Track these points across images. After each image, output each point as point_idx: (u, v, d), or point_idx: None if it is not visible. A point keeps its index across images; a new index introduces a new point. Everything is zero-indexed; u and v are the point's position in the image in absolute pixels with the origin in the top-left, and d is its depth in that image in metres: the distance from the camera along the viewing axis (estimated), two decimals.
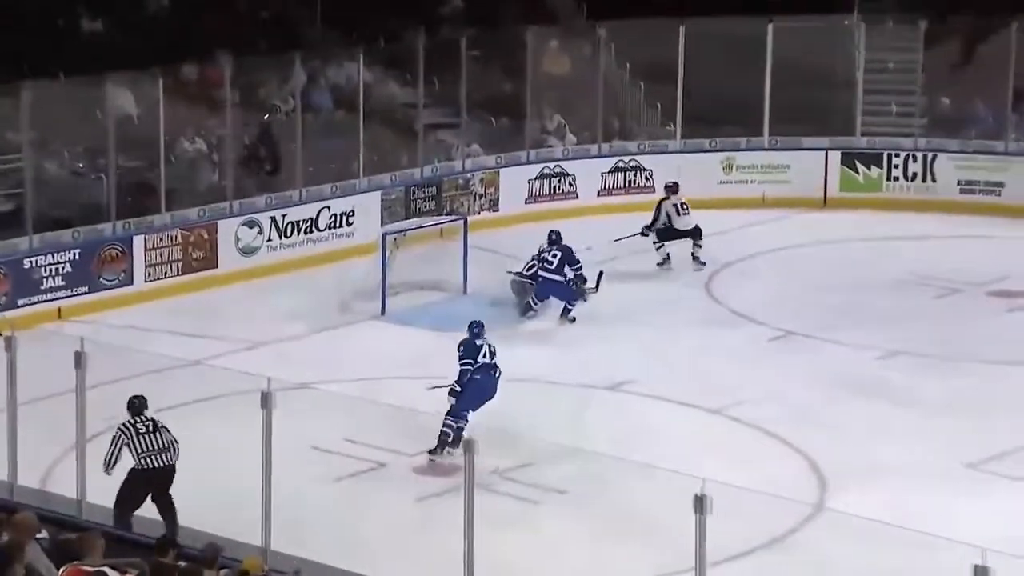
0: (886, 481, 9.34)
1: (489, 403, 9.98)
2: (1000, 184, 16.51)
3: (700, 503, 6.42)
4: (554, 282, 12.78)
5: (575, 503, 9.08)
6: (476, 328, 10.18)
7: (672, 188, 14.51)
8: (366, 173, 15.32)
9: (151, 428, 8.26)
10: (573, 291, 12.76)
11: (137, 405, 8.32)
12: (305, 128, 15.01)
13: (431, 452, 9.73)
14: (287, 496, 7.74)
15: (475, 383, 9.93)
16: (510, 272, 13.15)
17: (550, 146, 16.96)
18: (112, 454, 8.18)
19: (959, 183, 16.70)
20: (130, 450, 8.18)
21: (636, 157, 17.06)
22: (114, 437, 8.19)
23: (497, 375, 9.99)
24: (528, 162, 16.60)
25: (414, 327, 12.72)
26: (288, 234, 14.51)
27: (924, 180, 16.82)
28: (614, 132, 17.39)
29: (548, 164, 16.68)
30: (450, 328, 12.50)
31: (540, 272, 12.88)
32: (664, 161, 16.89)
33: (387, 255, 13.20)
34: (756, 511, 8.07)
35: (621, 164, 17.02)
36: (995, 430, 10.15)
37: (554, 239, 13.11)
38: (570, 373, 11.52)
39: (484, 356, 10.03)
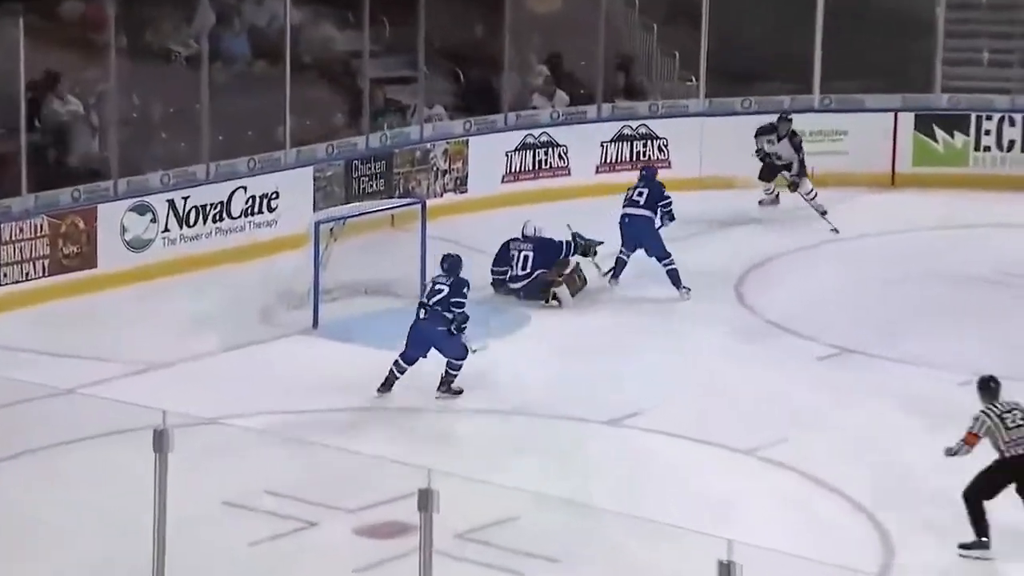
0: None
1: (456, 443, 10.01)
2: None
3: (727, 572, 6.47)
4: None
5: (568, 572, 9.13)
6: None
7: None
8: (294, 143, 15.37)
9: None
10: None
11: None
12: (213, 83, 15.03)
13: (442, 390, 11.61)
14: (188, 565, 7.74)
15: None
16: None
17: (534, 108, 17.03)
18: None
19: None
20: None
21: (647, 122, 17.16)
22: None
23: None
24: (506, 128, 16.70)
25: (356, 344, 12.76)
26: (191, 223, 14.55)
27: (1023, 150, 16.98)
28: (618, 89, 17.49)
29: (532, 132, 16.77)
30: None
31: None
32: (683, 127, 17.00)
33: (321, 250, 13.23)
34: None
35: (627, 131, 17.12)
36: None
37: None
38: (560, 403, 11.58)
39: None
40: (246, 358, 12.49)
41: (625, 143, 17.07)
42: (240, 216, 14.84)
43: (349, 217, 13.78)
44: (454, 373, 11.62)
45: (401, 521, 9.24)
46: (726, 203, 16.20)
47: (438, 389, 11.66)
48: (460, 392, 11.64)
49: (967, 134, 17.05)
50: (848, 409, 11.45)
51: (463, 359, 11.61)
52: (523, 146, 16.71)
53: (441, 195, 16.06)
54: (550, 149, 16.84)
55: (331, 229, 13.48)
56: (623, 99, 17.38)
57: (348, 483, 9.84)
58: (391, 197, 15.46)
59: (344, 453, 9.65)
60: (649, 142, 17.11)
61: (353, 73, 16.24)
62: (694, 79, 17.33)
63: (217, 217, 14.71)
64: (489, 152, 16.47)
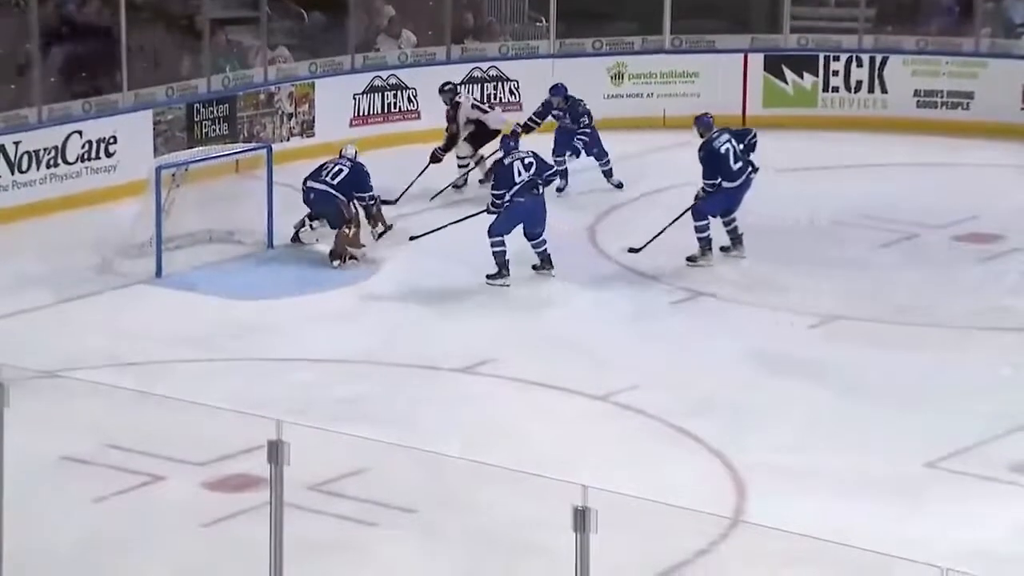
0: (821, 484, 9.60)
1: (303, 391, 10.00)
2: (968, 95, 17.05)
3: (581, 517, 6.55)
4: None
5: (420, 523, 9.17)
6: (510, 142, 12.92)
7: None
8: (132, 86, 15.10)
9: None
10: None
11: None
12: (44, 23, 14.69)
13: (489, 277, 12.55)
14: (29, 524, 7.63)
15: (515, 206, 12.58)
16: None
17: (377, 50, 16.92)
18: None
19: (916, 94, 17.18)
20: None
21: (497, 64, 17.15)
22: None
23: (540, 192, 12.72)
24: (353, 70, 16.57)
25: (200, 293, 12.66)
26: (23, 169, 14.25)
27: (871, 91, 17.26)
28: (467, 30, 17.45)
29: (380, 74, 16.66)
30: (250, 294, 12.44)
31: None
32: (534, 68, 17.02)
33: (163, 197, 13.06)
34: (655, 526, 8.26)
35: (478, 73, 17.10)
36: (963, 416, 10.48)
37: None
38: (409, 351, 11.60)
39: (519, 175, 12.56)
40: (85, 309, 12.33)
41: (476, 85, 17.03)
42: (76, 162, 14.56)
43: (191, 163, 13.61)
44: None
45: (251, 474, 9.23)
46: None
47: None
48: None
49: (816, 75, 17.28)
50: (701, 355, 11.63)
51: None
52: (371, 88, 16.59)
53: (287, 139, 15.91)
54: (399, 92, 16.74)
55: (173, 175, 13.32)
56: (472, 40, 17.34)
57: (195, 436, 9.78)
58: (235, 142, 15.27)
59: (189, 405, 9.57)
60: (500, 84, 17.11)
61: (192, 14, 15.96)
62: (544, 20, 17.34)
63: (51, 163, 14.42)
64: (336, 95, 16.31)
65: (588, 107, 15.13)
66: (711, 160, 13.20)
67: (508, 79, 17.13)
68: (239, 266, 13.14)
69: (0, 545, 7.41)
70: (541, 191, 12.87)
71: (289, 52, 16.40)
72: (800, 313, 12.27)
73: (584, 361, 11.41)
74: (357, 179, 13.30)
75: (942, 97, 17.11)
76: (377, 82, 16.65)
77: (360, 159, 13.51)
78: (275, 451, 7.03)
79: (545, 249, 12.88)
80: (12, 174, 14.16)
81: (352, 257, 13.17)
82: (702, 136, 13.29)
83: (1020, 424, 10.35)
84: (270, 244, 13.57)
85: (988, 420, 10.38)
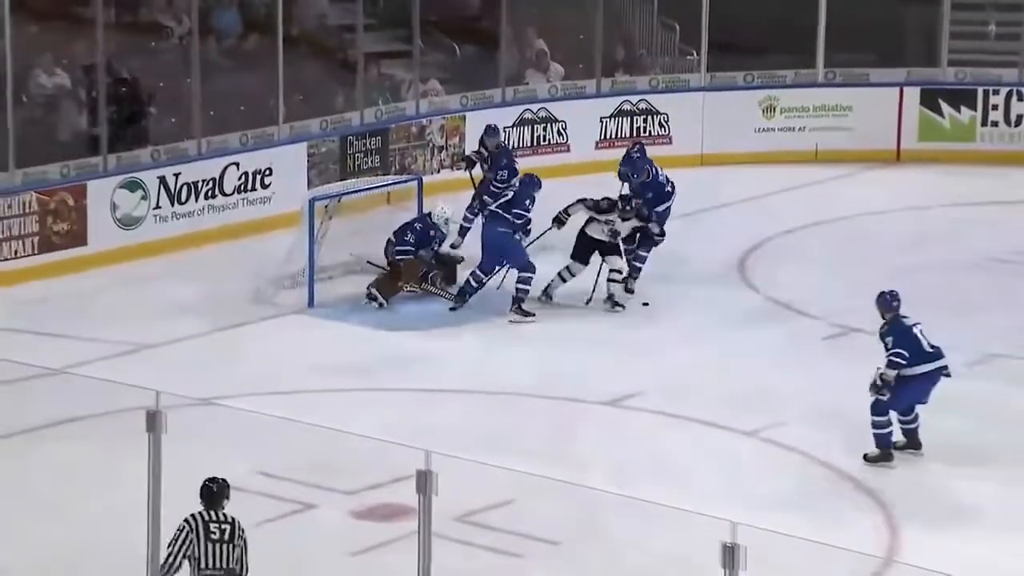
0: (978, 527, 9.47)
1: (451, 422, 10.08)
2: None
3: (730, 555, 6.51)
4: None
5: (565, 556, 9.18)
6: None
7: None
8: (287, 119, 15.37)
9: (226, 535, 7.61)
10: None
11: (214, 493, 7.63)
12: (205, 58, 15.03)
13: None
14: None
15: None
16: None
17: (526, 83, 17.02)
18: (173, 558, 7.47)
19: None
20: (191, 562, 7.49)
21: (647, 97, 17.16)
22: (177, 535, 7.51)
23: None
24: (503, 104, 16.70)
25: (352, 323, 12.78)
26: (183, 200, 14.55)
27: None
28: (618, 63, 17.49)
29: (530, 106, 16.78)
30: (400, 325, 12.55)
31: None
32: (684, 102, 17.01)
33: (316, 228, 13.24)
34: (804, 564, 8.18)
35: (627, 106, 17.13)
36: None
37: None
38: (558, 384, 11.62)
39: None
40: (239, 338, 12.51)
41: (625, 118, 17.08)
42: (232, 193, 14.85)
43: (344, 194, 13.78)
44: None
45: (399, 503, 9.31)
46: (728, 180, 16.25)
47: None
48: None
49: (974, 109, 17.06)
50: (853, 391, 11.47)
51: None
52: (521, 121, 16.71)
53: (438, 171, 16.07)
54: (549, 125, 16.84)
55: (326, 206, 13.48)
56: (622, 73, 17.39)
57: (345, 465, 9.89)
58: (387, 174, 15.45)
59: (340, 435, 9.68)
60: (650, 117, 17.13)
61: (347, 48, 16.22)
62: (695, 53, 17.33)
63: (209, 194, 14.71)
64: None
65: (515, 163, 14.21)
66: (901, 342, 10.35)
67: (658, 112, 17.14)
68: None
69: (158, 567, 7.56)
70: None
71: (441, 85, 16.59)
72: (957, 350, 12.07)
73: (732, 397, 11.34)
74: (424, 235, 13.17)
75: None
76: (527, 115, 16.76)
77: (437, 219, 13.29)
78: (424, 481, 7.08)
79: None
80: (172, 205, 14.47)
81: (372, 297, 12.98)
82: (884, 316, 10.49)
83: None
84: None
85: None
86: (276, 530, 9.42)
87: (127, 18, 15.29)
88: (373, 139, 15.82)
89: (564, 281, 13.06)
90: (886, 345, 10.28)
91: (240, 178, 14.89)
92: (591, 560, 9.05)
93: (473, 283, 12.93)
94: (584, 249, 13.08)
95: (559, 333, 12.62)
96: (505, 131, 16.55)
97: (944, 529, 9.36)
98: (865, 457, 10.29)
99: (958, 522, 9.45)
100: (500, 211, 13.05)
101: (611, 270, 13.04)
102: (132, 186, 14.30)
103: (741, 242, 14.64)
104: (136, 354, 12.06)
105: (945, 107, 17.11)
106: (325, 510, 9.72)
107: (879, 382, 10.22)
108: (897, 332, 10.25)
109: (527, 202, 13.03)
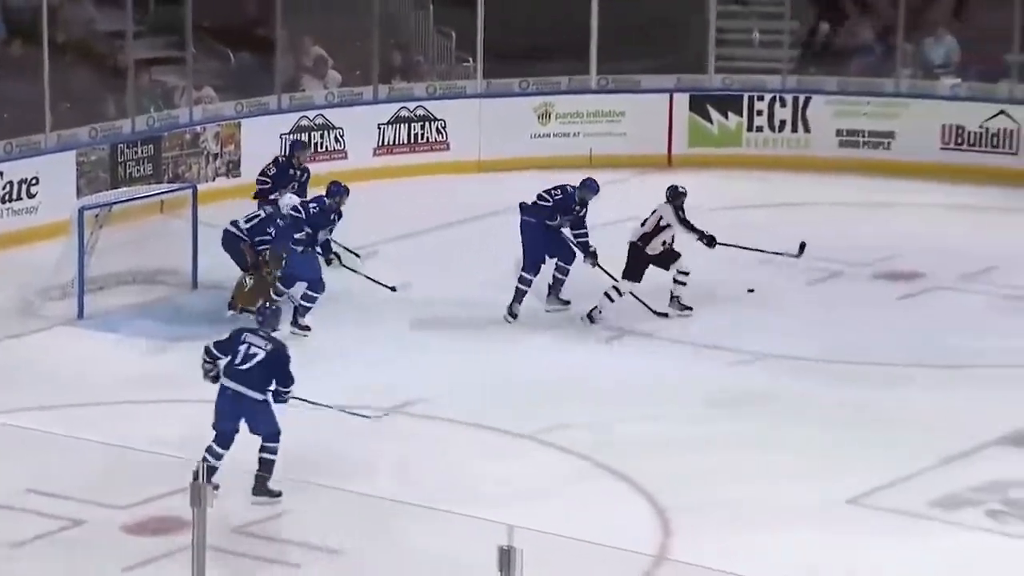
0: (748, 520, 9.66)
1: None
2: (889, 135, 17.28)
3: (507, 557, 6.55)
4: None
5: (346, 563, 9.13)
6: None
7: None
8: (55, 127, 15.03)
9: None
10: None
11: None
12: None
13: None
14: None
15: None
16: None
17: (303, 90, 16.91)
18: None
19: (839, 134, 17.40)
20: None
21: (424, 103, 17.19)
22: None
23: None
24: (279, 110, 16.57)
25: (123, 335, 12.55)
26: None
27: (795, 131, 17.47)
28: (395, 70, 17.49)
29: (306, 113, 16.66)
30: (174, 336, 12.34)
31: None
32: (461, 108, 17.08)
33: (86, 238, 12.98)
34: (582, 566, 8.26)
35: (404, 113, 17.13)
36: (887, 452, 10.57)
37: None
38: (337, 391, 11.55)
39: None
40: (6, 352, 12.20)
41: (403, 125, 17.08)
42: None
43: (115, 203, 13.53)
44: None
45: (173, 516, 9.15)
46: (506, 187, 16.36)
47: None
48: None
49: (740, 115, 17.46)
50: (628, 392, 11.67)
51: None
52: (297, 128, 16.58)
53: (213, 179, 15.85)
54: (326, 132, 16.74)
55: (96, 216, 13.23)
56: (399, 80, 17.39)
57: (118, 480, 9.69)
58: (160, 182, 15.20)
59: (112, 449, 9.49)
60: (427, 124, 17.15)
61: (116, 54, 15.91)
62: (471, 60, 17.42)
63: None
64: (262, 135, 16.28)
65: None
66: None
67: (435, 119, 17.17)
68: (164, 308, 13.04)
69: None
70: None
71: (215, 92, 16.37)
72: (731, 350, 12.35)
73: (512, 400, 11.41)
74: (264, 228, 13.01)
75: (864, 137, 17.32)
76: (304, 122, 16.64)
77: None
78: (198, 493, 6.98)
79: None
80: None
81: (245, 310, 12.97)
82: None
83: (943, 458, 10.46)
84: (194, 285, 13.50)
85: (913, 455, 10.49)
86: (46, 548, 9.19)
87: None
88: (145, 147, 15.54)
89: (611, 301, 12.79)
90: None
91: (4, 187, 14.49)
92: (371, 567, 9.02)
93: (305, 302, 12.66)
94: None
95: (337, 341, 12.54)
96: (281, 138, 16.43)
97: (716, 526, 9.53)
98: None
99: (730, 519, 9.63)
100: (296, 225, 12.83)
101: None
102: None
103: (519, 248, 14.70)
104: None
105: (713, 113, 17.48)
106: (96, 525, 9.50)
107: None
108: None
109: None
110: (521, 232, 13.07)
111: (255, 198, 13.84)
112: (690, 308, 13.00)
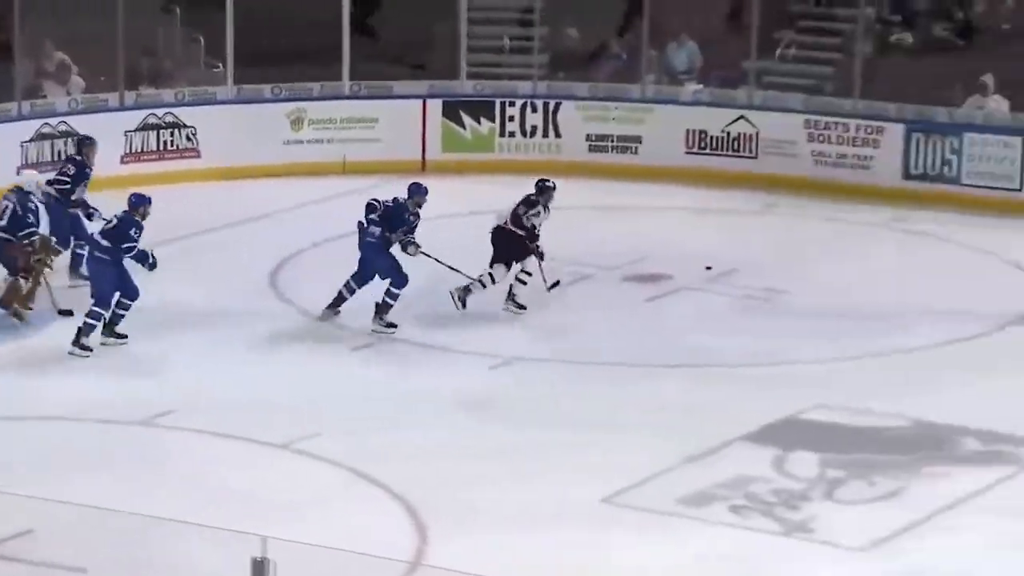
0: (503, 523, 9.75)
1: None
2: (636, 139, 17.64)
3: (260, 569, 6.48)
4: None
5: None
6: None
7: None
8: None
9: None
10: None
11: None
12: None
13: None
14: None
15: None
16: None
17: (44, 96, 16.46)
18: None
19: (588, 138, 17.69)
20: None
21: (173, 110, 16.90)
22: None
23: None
24: (20, 118, 16.14)
25: None
26: None
27: (546, 136, 17.70)
28: (142, 76, 17.15)
29: (48, 121, 16.21)
30: None
31: None
32: (213, 115, 16.85)
33: None
34: (337, 574, 8.21)
35: (153, 119, 16.82)
36: (635, 452, 10.76)
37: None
38: (87, 402, 11.29)
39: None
40: None
41: (151, 132, 16.77)
42: None
43: None
44: None
45: None
46: (257, 193, 16.22)
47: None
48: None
49: (493, 120, 17.61)
50: (383, 400, 11.66)
51: None
52: (39, 136, 16.13)
53: None
54: (69, 139, 16.29)
55: None
56: (147, 87, 17.05)
57: None
58: None
59: None
60: (177, 131, 16.87)
61: None
62: (221, 65, 17.19)
63: None
64: (2, 143, 15.81)
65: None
66: None
67: (185, 125, 16.90)
68: None
69: None
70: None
71: None
72: (480, 354, 12.44)
73: (265, 411, 11.30)
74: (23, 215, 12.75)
75: (612, 142, 17.64)
76: (46, 129, 16.19)
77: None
78: None
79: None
80: None
81: (16, 315, 12.64)
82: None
83: (689, 456, 10.71)
84: None
85: (660, 454, 10.71)
86: None
87: None
88: None
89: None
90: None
91: None
92: None
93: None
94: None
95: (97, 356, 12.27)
96: (23, 147, 15.96)
97: (473, 530, 9.59)
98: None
99: (488, 522, 9.70)
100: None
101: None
102: None
103: (272, 255, 14.60)
104: None
105: (466, 118, 17.59)
106: None
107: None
108: None
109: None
110: (359, 246, 13.00)
111: (58, 202, 13.43)
112: (524, 307, 13.19)
